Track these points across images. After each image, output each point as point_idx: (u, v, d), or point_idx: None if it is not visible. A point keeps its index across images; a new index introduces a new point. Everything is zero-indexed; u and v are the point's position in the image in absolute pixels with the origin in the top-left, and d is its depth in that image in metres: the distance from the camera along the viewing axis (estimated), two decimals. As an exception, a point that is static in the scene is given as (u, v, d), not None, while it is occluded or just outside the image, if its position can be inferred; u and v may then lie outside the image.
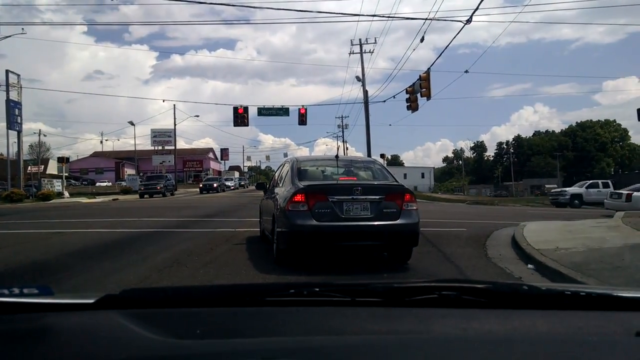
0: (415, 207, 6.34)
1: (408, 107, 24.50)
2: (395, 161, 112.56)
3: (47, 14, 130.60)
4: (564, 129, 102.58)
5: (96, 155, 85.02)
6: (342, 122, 60.09)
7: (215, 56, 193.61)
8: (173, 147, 60.54)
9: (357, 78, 37.77)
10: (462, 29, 17.72)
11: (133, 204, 25.52)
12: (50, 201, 30.58)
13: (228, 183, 59.45)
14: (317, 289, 1.44)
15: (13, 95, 32.51)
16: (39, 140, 64.01)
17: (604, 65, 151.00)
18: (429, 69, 22.41)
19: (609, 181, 32.43)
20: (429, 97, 22.37)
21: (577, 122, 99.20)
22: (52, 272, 6.25)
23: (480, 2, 17.84)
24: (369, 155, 33.07)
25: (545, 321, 1.29)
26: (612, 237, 8.28)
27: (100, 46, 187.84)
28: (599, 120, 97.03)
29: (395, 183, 6.82)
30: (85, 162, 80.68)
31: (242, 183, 70.89)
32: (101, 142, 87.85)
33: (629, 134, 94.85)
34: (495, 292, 1.46)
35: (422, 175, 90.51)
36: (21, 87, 33.73)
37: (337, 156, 7.46)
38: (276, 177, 8.30)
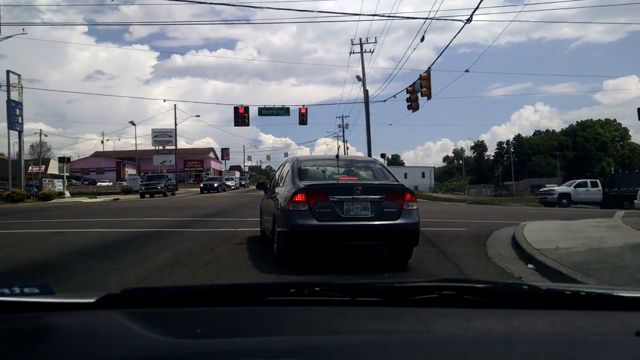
0: (415, 207, 6.34)
1: (408, 107, 24.51)
2: (395, 161, 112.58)
3: (48, 14, 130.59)
4: (564, 128, 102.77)
5: (97, 155, 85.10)
6: (342, 121, 60.18)
7: (216, 56, 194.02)
8: (174, 147, 60.60)
9: (358, 78, 37.81)
10: (462, 28, 17.74)
11: (134, 204, 25.54)
12: (51, 201, 30.60)
13: (229, 183, 59.48)
14: (318, 289, 1.44)
15: (14, 96, 32.54)
16: (40, 140, 64.29)
17: (604, 65, 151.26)
18: (429, 68, 22.44)
19: (597, 180, 32.40)
20: (429, 96, 22.38)
21: (577, 122, 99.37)
22: (53, 271, 6.26)
23: (481, 2, 17.85)
24: (369, 154, 33.09)
25: (546, 321, 1.30)
26: (612, 236, 8.28)
27: (100, 46, 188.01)
28: (599, 120, 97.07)
29: (395, 183, 6.82)
30: (86, 162, 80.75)
31: (243, 183, 70.90)
32: (102, 142, 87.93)
33: (629, 133, 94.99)
34: (496, 292, 1.47)
35: (423, 175, 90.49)
36: (22, 87, 33.79)
37: (337, 156, 7.46)
38: (277, 177, 8.31)
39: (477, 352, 1.08)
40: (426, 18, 18.90)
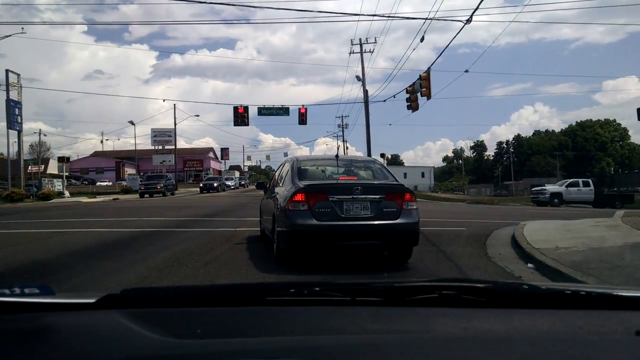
0: (415, 207, 6.34)
1: (408, 107, 24.50)
2: (395, 160, 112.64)
3: (47, 14, 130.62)
4: (564, 128, 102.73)
5: (96, 154, 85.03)
6: (342, 121, 60.19)
7: (215, 56, 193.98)
8: (173, 147, 60.55)
9: (357, 77, 37.81)
10: (462, 28, 17.74)
11: (133, 204, 25.53)
12: (51, 201, 30.58)
13: (228, 182, 59.48)
14: (318, 289, 1.44)
15: (13, 95, 32.51)
16: (39, 140, 64.24)
17: (604, 65, 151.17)
18: (429, 68, 22.44)
19: (589, 180, 32.45)
20: (429, 96, 22.38)
21: (577, 122, 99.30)
22: (53, 271, 6.25)
23: (481, 2, 17.85)
24: (369, 154, 33.09)
25: (546, 320, 1.30)
26: (611, 236, 8.28)
27: (100, 46, 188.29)
28: (598, 120, 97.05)
29: (395, 182, 6.82)
30: (86, 161, 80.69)
31: (243, 182, 70.93)
32: (101, 141, 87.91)
33: (629, 133, 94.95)
34: (496, 292, 1.47)
35: (422, 175, 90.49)
36: (21, 87, 33.74)
37: (337, 156, 7.46)
38: (276, 177, 8.30)
39: (477, 351, 1.08)
40: (426, 18, 18.93)
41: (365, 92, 35.88)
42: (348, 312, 1.35)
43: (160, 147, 65.21)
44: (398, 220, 6.11)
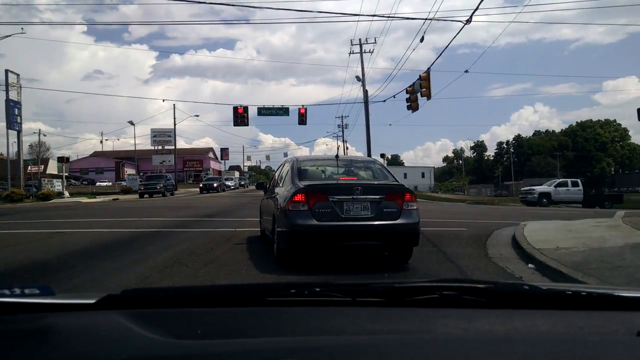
0: (415, 207, 6.34)
1: (408, 107, 24.51)
2: (395, 161, 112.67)
3: (47, 14, 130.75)
4: (564, 128, 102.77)
5: (96, 155, 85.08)
6: (342, 121, 60.23)
7: (215, 56, 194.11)
8: (173, 147, 60.55)
9: (357, 78, 37.82)
10: (462, 29, 17.74)
11: (133, 204, 25.52)
12: (51, 201, 30.59)
13: (228, 183, 59.50)
14: (318, 289, 1.44)
15: (12, 95, 32.49)
16: (39, 140, 64.21)
17: (604, 65, 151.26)
18: (429, 68, 22.45)
19: (578, 180, 32.53)
20: (429, 96, 22.38)
21: (577, 122, 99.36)
22: (53, 272, 6.25)
23: (480, 2, 17.86)
24: (369, 154, 33.09)
25: (546, 321, 1.29)
26: (612, 236, 8.27)
27: (99, 46, 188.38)
28: (599, 120, 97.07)
29: (395, 183, 6.82)
30: (85, 161, 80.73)
31: (242, 183, 70.95)
32: (101, 141, 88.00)
33: (629, 133, 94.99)
34: (496, 292, 1.46)
35: (423, 175, 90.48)
36: (21, 87, 33.72)
37: (337, 156, 7.45)
38: (276, 177, 8.30)
39: (477, 352, 1.07)
40: (426, 19, 18.93)
41: (365, 92, 35.92)
42: (348, 313, 1.34)
43: (160, 147, 65.19)
44: (398, 221, 6.11)
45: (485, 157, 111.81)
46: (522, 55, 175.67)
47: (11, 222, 14.16)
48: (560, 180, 33.01)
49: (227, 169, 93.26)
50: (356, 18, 75.04)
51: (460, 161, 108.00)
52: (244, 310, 1.39)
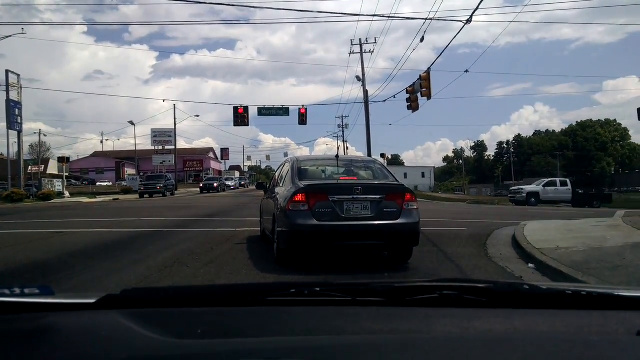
0: (415, 207, 6.34)
1: (408, 107, 24.52)
2: (395, 161, 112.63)
3: (47, 14, 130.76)
4: (564, 128, 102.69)
5: (96, 155, 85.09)
6: (342, 121, 60.25)
7: (215, 56, 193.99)
8: (173, 147, 60.60)
9: (357, 78, 37.82)
10: (462, 29, 17.75)
11: (133, 204, 25.53)
12: (51, 201, 30.59)
13: (228, 183, 59.54)
14: (318, 289, 1.44)
15: (13, 95, 32.50)
16: (39, 140, 64.24)
17: (604, 65, 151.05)
18: (429, 68, 22.46)
19: (567, 180, 32.55)
20: (429, 96, 22.39)
21: (577, 122, 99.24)
22: (53, 272, 6.25)
23: (480, 2, 17.86)
24: (369, 154, 33.10)
25: (546, 321, 1.29)
26: (612, 236, 8.27)
27: (100, 46, 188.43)
28: (599, 120, 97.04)
29: (395, 182, 6.82)
30: (86, 162, 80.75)
31: (243, 183, 70.98)
32: (101, 142, 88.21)
33: (629, 133, 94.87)
34: (496, 292, 1.46)
35: (423, 175, 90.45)
36: (21, 87, 33.73)
37: (337, 156, 7.45)
38: (276, 177, 8.30)
39: (477, 352, 1.07)
40: (426, 19, 18.94)
41: (366, 92, 35.92)
42: (349, 313, 1.34)
43: (160, 148, 65.25)
44: (398, 221, 6.11)
45: (486, 157, 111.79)
46: (522, 55, 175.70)
47: (11, 222, 14.16)
48: (549, 179, 32.98)
49: (227, 169, 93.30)
50: (356, 18, 75.10)
51: (461, 161, 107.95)
52: (244, 310, 1.39)
